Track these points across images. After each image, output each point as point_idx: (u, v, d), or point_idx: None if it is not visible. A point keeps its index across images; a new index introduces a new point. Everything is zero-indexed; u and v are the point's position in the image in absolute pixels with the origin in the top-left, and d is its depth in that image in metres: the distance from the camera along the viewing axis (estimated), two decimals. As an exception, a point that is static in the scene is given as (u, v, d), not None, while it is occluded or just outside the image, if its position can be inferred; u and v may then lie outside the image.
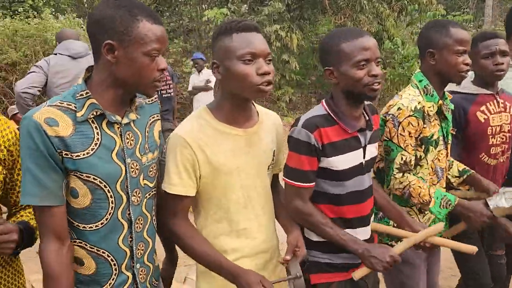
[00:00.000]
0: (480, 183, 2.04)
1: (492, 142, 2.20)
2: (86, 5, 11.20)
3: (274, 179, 1.65)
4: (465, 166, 2.11)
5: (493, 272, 2.36)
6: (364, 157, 1.62)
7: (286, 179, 1.57)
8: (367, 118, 1.64)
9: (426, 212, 1.94)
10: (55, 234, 1.16)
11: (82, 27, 7.89)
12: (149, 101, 1.37)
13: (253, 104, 1.54)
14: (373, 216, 1.78)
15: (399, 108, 1.82)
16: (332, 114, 1.57)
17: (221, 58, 1.38)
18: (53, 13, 8.46)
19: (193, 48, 10.30)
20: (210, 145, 1.40)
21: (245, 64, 1.34)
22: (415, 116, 1.80)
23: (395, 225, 1.81)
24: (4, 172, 1.29)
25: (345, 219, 1.61)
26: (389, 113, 1.85)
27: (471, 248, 1.65)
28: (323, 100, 1.62)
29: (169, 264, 1.58)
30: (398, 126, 1.80)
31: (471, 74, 2.40)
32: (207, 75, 6.43)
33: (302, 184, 1.55)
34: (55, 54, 3.53)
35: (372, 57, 1.50)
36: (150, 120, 1.36)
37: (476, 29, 14.01)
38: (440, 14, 9.03)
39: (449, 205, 1.81)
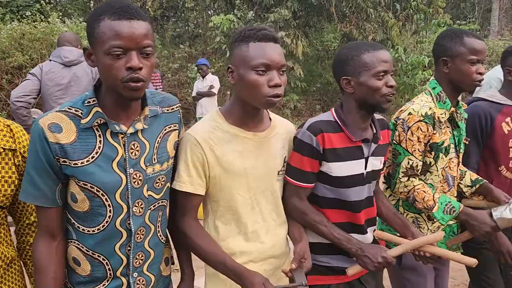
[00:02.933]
0: (492, 193, 2.01)
1: None
2: (92, 9, 11.28)
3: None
4: (477, 176, 2.08)
5: (508, 285, 2.31)
6: (365, 168, 1.62)
7: (287, 177, 1.59)
8: (375, 131, 1.65)
9: (435, 220, 1.92)
10: (48, 231, 1.21)
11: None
12: (168, 110, 1.36)
13: (266, 110, 1.55)
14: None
15: (409, 113, 1.82)
16: (338, 121, 1.58)
17: (236, 65, 1.39)
18: (60, 17, 8.53)
19: (198, 54, 10.35)
20: (220, 145, 1.42)
21: (258, 75, 1.35)
22: (425, 122, 1.80)
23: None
24: (19, 178, 1.30)
25: (338, 223, 1.61)
26: (399, 117, 1.86)
27: (471, 261, 1.62)
28: (333, 108, 1.64)
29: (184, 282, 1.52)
30: (408, 130, 1.81)
31: (498, 83, 2.37)
32: (211, 81, 6.44)
33: (301, 183, 1.57)
34: (50, 60, 3.47)
35: (389, 69, 1.54)
36: (165, 130, 1.34)
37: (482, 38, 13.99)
38: (446, 23, 9.03)
39: (453, 212, 1.80)
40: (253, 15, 8.90)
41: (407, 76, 9.16)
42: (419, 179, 1.86)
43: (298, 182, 1.57)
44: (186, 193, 1.40)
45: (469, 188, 2.06)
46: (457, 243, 1.94)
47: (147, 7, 9.38)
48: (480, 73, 1.81)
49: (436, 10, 9.56)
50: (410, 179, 1.83)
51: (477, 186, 2.05)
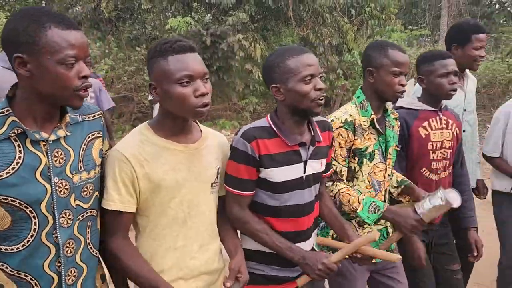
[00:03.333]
0: (414, 192, 2.08)
1: (433, 157, 2.23)
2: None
3: (220, 203, 1.62)
4: (403, 177, 2.14)
5: (450, 287, 2.40)
6: (304, 172, 1.63)
7: (226, 186, 1.58)
8: (313, 133, 1.65)
9: (365, 226, 1.98)
10: None
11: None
12: (90, 118, 1.31)
13: (196, 122, 1.54)
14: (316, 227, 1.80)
15: (332, 120, 1.87)
16: (273, 127, 1.58)
17: (158, 80, 1.36)
18: (8, 17, 8.14)
19: (156, 56, 10.12)
20: (149, 160, 1.38)
21: (182, 87, 1.33)
22: (344, 128, 1.86)
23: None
24: None
25: (283, 232, 1.61)
26: None
27: (396, 257, 1.70)
28: (268, 115, 1.64)
29: None
30: None
31: (416, 90, 2.47)
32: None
33: (240, 192, 1.56)
34: None
35: (316, 72, 1.54)
36: (88, 137, 1.29)
37: (433, 44, 14.61)
38: (398, 29, 9.35)
39: (378, 211, 1.84)
40: (211, 18, 8.86)
41: (363, 79, 9.39)
42: (344, 184, 1.91)
43: (236, 191, 1.56)
44: (116, 212, 1.35)
45: (396, 188, 2.14)
46: (389, 245, 2.00)
47: (101, 8, 9.13)
48: (402, 85, 1.88)
49: (389, 16, 9.89)
50: (335, 183, 1.88)
51: (402, 186, 2.12)
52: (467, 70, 2.73)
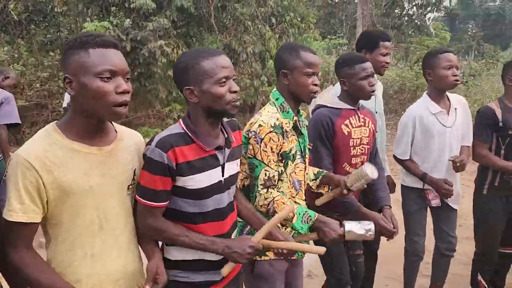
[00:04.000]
0: (333, 179, 2.19)
1: (353, 153, 2.41)
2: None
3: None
4: (319, 169, 2.25)
5: (353, 271, 2.57)
6: (223, 175, 1.63)
7: (138, 197, 1.52)
8: (226, 135, 1.65)
9: (287, 225, 2.02)
10: None
11: None
12: None
13: (111, 122, 1.46)
14: (237, 230, 1.81)
15: (260, 125, 1.88)
16: (189, 133, 1.55)
17: (75, 73, 1.28)
18: None
19: (72, 62, 9.60)
20: (59, 165, 1.29)
21: (103, 82, 1.27)
22: (275, 132, 1.87)
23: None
24: None
25: None
26: (251, 130, 1.90)
27: (321, 249, 1.76)
28: (180, 119, 1.60)
29: None
30: (261, 142, 1.86)
31: (336, 90, 2.62)
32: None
33: (154, 203, 1.51)
34: None
35: (230, 74, 1.54)
36: None
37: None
38: (315, 38, 9.74)
39: (310, 220, 1.90)
40: (131, 23, 8.59)
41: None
42: (277, 190, 1.94)
43: (150, 202, 1.50)
44: (18, 223, 1.26)
45: (314, 181, 2.23)
46: (304, 240, 2.07)
47: (8, 9, 8.47)
48: (315, 85, 1.96)
49: (308, 26, 10.26)
50: (269, 190, 1.89)
51: (320, 177, 2.21)
52: (375, 75, 2.93)
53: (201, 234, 1.56)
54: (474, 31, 29.83)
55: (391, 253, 3.48)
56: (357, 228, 1.92)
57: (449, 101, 2.88)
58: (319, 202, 2.21)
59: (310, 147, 2.24)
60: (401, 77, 12.14)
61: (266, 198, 1.88)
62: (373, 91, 2.37)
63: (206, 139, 1.56)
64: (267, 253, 1.97)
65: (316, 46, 14.22)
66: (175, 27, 9.51)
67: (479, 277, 3.12)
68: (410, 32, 18.16)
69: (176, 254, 1.60)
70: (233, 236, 1.72)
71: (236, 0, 9.19)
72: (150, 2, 7.90)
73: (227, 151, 1.64)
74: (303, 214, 1.90)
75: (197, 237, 1.55)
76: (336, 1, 19.39)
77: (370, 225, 1.94)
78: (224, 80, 1.52)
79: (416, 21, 19.04)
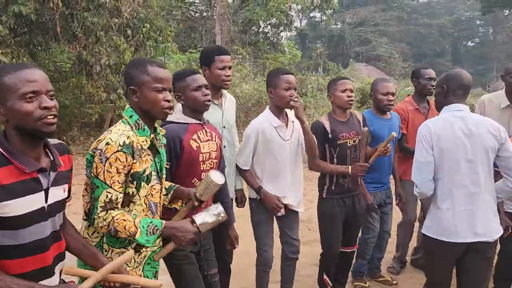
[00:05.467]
0: (184, 193, 2.15)
1: (203, 168, 2.38)
2: None
3: None
4: (170, 183, 2.18)
5: None
6: (46, 201, 1.46)
7: None
8: (52, 158, 1.49)
9: (142, 251, 1.91)
10: None
11: None
12: None
13: None
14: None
15: (107, 143, 1.75)
16: (4, 153, 1.36)
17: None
18: None
19: None
20: None
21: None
22: (123, 152, 1.76)
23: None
24: None
25: (23, 273, 1.40)
26: (97, 148, 1.76)
27: (155, 284, 1.68)
28: None
29: None
30: (105, 162, 1.73)
31: (179, 106, 2.57)
32: None
33: None
34: None
35: (42, 89, 1.40)
36: None
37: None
38: (172, 50, 9.69)
39: (157, 230, 1.82)
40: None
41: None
42: (126, 211, 1.81)
43: None
44: None
45: (166, 196, 2.15)
46: (163, 255, 1.99)
47: None
48: (167, 101, 1.89)
49: (166, 39, 10.16)
50: (109, 212, 1.75)
51: (172, 191, 2.15)
52: (223, 90, 2.97)
53: (19, 279, 1.35)
54: (321, 50, 33.20)
55: (243, 263, 3.56)
56: (207, 217, 1.90)
57: (287, 116, 3.07)
58: (175, 220, 2.14)
59: (167, 167, 2.16)
60: (258, 90, 12.81)
61: (105, 219, 1.75)
62: (208, 101, 2.39)
63: (25, 160, 1.39)
64: None
65: (177, 59, 14.19)
66: (14, 34, 8.52)
67: (324, 276, 3.37)
68: (266, 49, 19.33)
69: None
70: (57, 272, 1.53)
71: (85, 8, 8.61)
72: (-20, 6, 6.96)
73: (53, 174, 1.47)
74: (148, 226, 1.80)
75: (12, 281, 1.33)
76: (195, 16, 19.67)
77: (218, 208, 1.94)
78: (31, 95, 1.37)
79: (271, 38, 20.38)
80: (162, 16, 11.34)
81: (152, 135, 1.91)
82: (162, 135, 2.05)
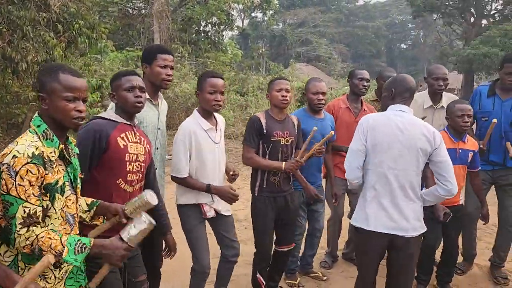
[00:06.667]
0: (110, 208, 2.06)
1: (129, 169, 2.31)
2: None
3: None
4: (92, 199, 2.08)
5: None
6: None
7: None
8: None
9: (62, 266, 1.81)
10: None
11: None
12: None
13: None
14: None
15: (14, 156, 1.63)
16: None
17: None
18: None
19: None
20: None
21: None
22: (33, 163, 1.64)
23: None
24: None
25: None
26: (3, 162, 1.63)
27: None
28: None
29: None
30: (16, 176, 1.61)
31: (112, 104, 2.49)
32: None
33: None
34: None
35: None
36: None
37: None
38: (109, 48, 9.34)
39: (85, 248, 1.72)
40: None
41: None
42: (41, 226, 1.69)
43: None
44: None
45: (88, 212, 2.04)
46: (98, 282, 1.88)
47: None
48: (79, 111, 1.78)
49: (100, 36, 9.74)
50: (31, 228, 1.64)
51: (94, 208, 2.06)
52: (160, 93, 2.88)
53: None
54: (263, 50, 33.50)
55: (173, 266, 3.48)
56: (135, 229, 1.85)
57: (215, 119, 3.04)
58: (92, 235, 2.03)
59: (82, 176, 2.04)
60: (198, 90, 12.66)
61: (28, 238, 1.63)
62: (139, 103, 2.35)
63: None
64: None
65: (113, 57, 13.68)
66: None
67: (258, 275, 3.37)
68: (207, 48, 19.16)
69: None
70: None
71: (9, 2, 8.04)
72: None
73: None
74: (75, 244, 1.70)
75: None
76: (133, 13, 19.08)
77: (142, 216, 1.89)
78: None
79: (212, 37, 20.24)
80: (97, 12, 10.87)
81: (62, 146, 1.81)
82: (74, 145, 1.96)
